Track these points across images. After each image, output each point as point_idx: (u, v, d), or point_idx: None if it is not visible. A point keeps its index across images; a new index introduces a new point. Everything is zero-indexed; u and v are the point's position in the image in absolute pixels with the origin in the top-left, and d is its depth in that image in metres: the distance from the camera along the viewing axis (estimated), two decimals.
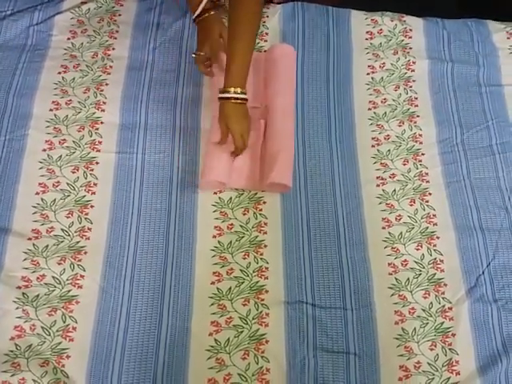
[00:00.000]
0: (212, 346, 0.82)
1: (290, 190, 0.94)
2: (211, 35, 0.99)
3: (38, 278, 0.84)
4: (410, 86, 1.07)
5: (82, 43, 1.08)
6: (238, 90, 0.89)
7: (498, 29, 1.16)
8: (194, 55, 1.00)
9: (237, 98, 0.89)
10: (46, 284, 0.84)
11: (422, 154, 1.00)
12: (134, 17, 1.12)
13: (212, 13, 0.99)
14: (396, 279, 0.88)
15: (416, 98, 1.06)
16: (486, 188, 0.97)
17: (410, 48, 1.11)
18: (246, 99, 0.91)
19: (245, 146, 0.92)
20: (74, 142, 0.96)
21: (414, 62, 1.10)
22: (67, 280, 0.85)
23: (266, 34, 1.11)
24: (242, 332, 0.83)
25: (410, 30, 1.14)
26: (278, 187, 0.93)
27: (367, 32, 1.13)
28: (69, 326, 0.81)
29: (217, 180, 0.92)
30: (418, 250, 0.90)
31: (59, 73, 1.03)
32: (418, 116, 1.04)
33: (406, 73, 1.09)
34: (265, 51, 1.08)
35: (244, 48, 0.89)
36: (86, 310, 0.83)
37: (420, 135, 1.02)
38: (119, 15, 1.12)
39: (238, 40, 0.89)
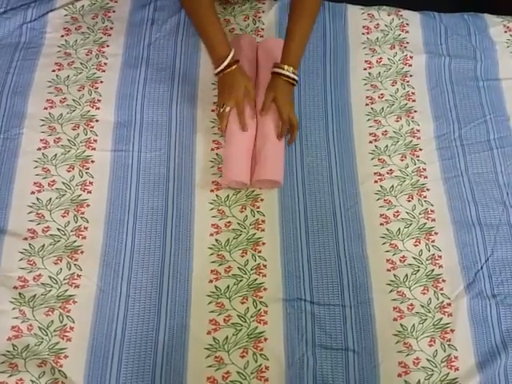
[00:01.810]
0: (211, 345, 0.81)
1: (283, 186, 0.93)
2: (236, 89, 0.94)
3: (34, 277, 0.84)
4: (408, 81, 1.07)
5: (76, 40, 1.07)
6: (291, 69, 0.93)
7: (495, 22, 1.15)
8: (221, 110, 0.94)
9: (288, 77, 0.93)
10: (42, 284, 0.83)
11: (420, 150, 0.99)
12: (129, 13, 1.11)
13: (235, 67, 0.94)
14: (394, 275, 0.87)
15: (413, 93, 1.05)
16: (484, 183, 0.96)
17: (407, 42, 1.11)
18: (296, 81, 0.94)
19: (293, 123, 0.94)
20: (69, 140, 0.96)
21: (411, 57, 1.09)
22: (64, 280, 0.84)
23: (262, 29, 1.11)
24: (240, 330, 0.82)
25: (407, 24, 1.13)
26: (267, 183, 0.93)
27: (364, 26, 1.12)
28: (66, 325, 0.81)
29: (239, 180, 0.91)
30: (416, 245, 0.90)
31: (53, 71, 1.02)
32: (415, 111, 1.03)
33: (403, 68, 1.08)
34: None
35: (305, 29, 0.94)
36: (83, 309, 0.82)
37: (418, 130, 1.01)
38: (113, 12, 1.11)
39: (301, 21, 0.93)
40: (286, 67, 0.93)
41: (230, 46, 0.95)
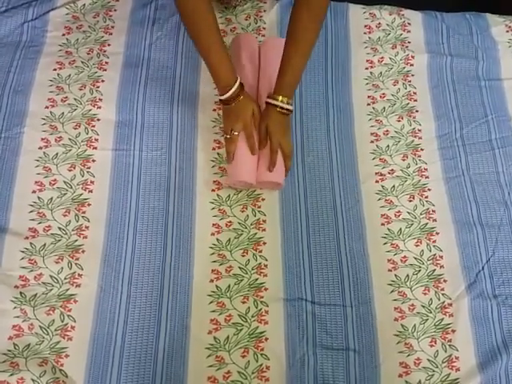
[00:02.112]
0: (211, 344, 0.81)
1: (284, 186, 0.93)
2: (244, 116, 0.91)
3: (35, 277, 0.83)
4: (409, 81, 1.06)
5: (78, 39, 1.06)
6: (285, 100, 0.90)
7: (497, 22, 1.15)
8: (228, 135, 0.92)
9: (282, 108, 0.90)
10: (43, 283, 0.83)
11: (422, 150, 0.99)
12: (130, 12, 1.11)
13: (242, 97, 0.90)
14: (395, 276, 0.87)
15: (415, 93, 1.05)
16: (485, 183, 0.96)
17: (409, 42, 1.11)
18: (291, 111, 0.92)
19: (284, 151, 0.92)
20: (70, 139, 0.96)
21: (412, 57, 1.09)
22: (65, 279, 0.84)
23: (264, 28, 1.10)
24: (241, 330, 0.82)
25: (409, 23, 1.13)
26: (269, 185, 0.93)
27: (365, 26, 1.12)
28: (67, 325, 0.81)
29: (244, 180, 0.91)
30: (417, 246, 0.90)
31: (54, 69, 1.02)
32: (417, 111, 1.03)
33: (404, 67, 1.08)
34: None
35: (300, 60, 0.90)
36: (84, 308, 0.82)
37: (419, 130, 1.01)
38: (115, 10, 1.11)
39: (296, 51, 0.89)
40: (280, 98, 0.90)
41: (235, 71, 0.91)
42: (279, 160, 0.93)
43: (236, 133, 0.91)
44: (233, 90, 0.89)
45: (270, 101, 0.91)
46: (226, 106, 0.92)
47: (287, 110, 0.91)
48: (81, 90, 1.00)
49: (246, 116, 0.92)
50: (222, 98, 0.90)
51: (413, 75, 1.07)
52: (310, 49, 0.91)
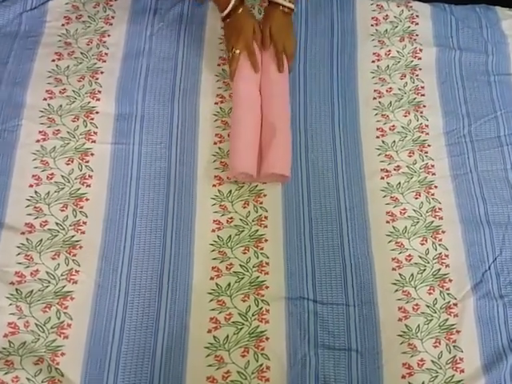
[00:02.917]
0: (211, 344, 0.80)
1: (290, 180, 0.91)
2: (245, 32, 0.94)
3: (31, 273, 0.82)
4: (417, 75, 1.04)
5: (77, 29, 1.04)
6: None
7: (507, 15, 1.11)
8: (230, 54, 0.95)
9: (285, 6, 0.93)
10: (39, 279, 0.82)
11: (428, 146, 0.97)
12: (131, 2, 1.08)
13: (241, 10, 0.94)
14: (400, 275, 0.85)
15: (422, 87, 1.02)
16: (493, 181, 0.94)
17: (417, 35, 1.08)
18: (293, 9, 0.95)
19: (289, 55, 0.97)
20: (68, 132, 0.93)
21: (420, 50, 1.06)
22: (62, 275, 0.82)
23: None
24: (241, 329, 0.81)
25: (417, 16, 1.10)
26: (275, 177, 0.91)
27: (372, 18, 1.09)
28: (63, 322, 0.79)
29: (245, 172, 0.89)
30: (422, 244, 0.88)
31: (53, 60, 1.00)
32: (424, 106, 1.00)
33: (412, 61, 1.05)
34: None
35: None
36: (81, 306, 0.81)
37: (426, 126, 0.98)
38: (115, 0, 1.08)
39: None
40: None
41: None
42: (286, 150, 0.90)
43: (238, 51, 0.94)
44: (232, 2, 0.92)
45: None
46: (226, 22, 0.95)
47: (289, 8, 0.94)
48: (80, 81, 0.98)
49: (247, 33, 0.94)
50: (223, 14, 0.94)
51: (420, 69, 1.04)
52: None
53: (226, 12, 0.94)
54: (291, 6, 0.94)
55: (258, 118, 0.94)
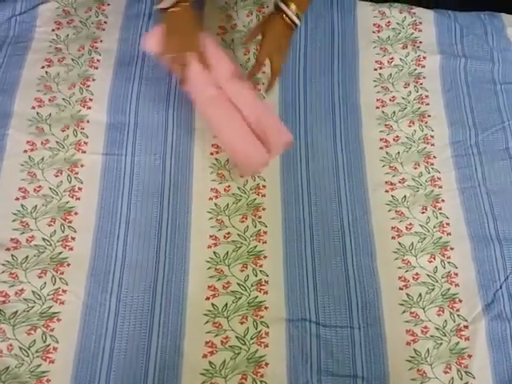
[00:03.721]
0: (206, 370, 0.75)
1: (286, 194, 0.88)
2: (190, 27, 0.82)
3: (16, 292, 0.77)
4: (421, 83, 1.00)
5: (68, 35, 1.00)
6: (297, 11, 0.81)
7: None
8: (183, 54, 0.82)
9: (290, 18, 0.82)
10: (25, 299, 0.77)
11: (434, 157, 0.93)
12: (124, 7, 1.04)
13: (187, 3, 0.80)
14: (407, 294, 0.81)
15: (427, 96, 0.98)
16: (502, 194, 0.90)
17: (420, 42, 1.04)
18: (297, 25, 0.83)
19: (272, 68, 0.86)
20: (57, 142, 0.89)
21: (424, 57, 1.02)
22: (48, 295, 0.77)
23: None
24: (239, 353, 0.76)
25: (420, 22, 1.06)
26: (282, 148, 0.88)
27: (374, 24, 1.06)
28: (49, 346, 0.74)
29: (262, 162, 0.86)
30: (430, 262, 0.83)
31: (43, 67, 0.96)
32: (429, 115, 0.96)
33: (415, 69, 1.01)
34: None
35: None
36: (68, 328, 0.76)
37: (432, 136, 0.95)
38: (108, 5, 1.04)
39: None
40: (292, 6, 0.80)
41: None
42: (276, 122, 0.86)
43: (176, 55, 0.81)
44: None
45: (280, 5, 0.81)
46: (166, 18, 0.79)
47: (294, 23, 0.83)
48: (70, 89, 0.94)
49: (195, 30, 0.81)
50: (161, 5, 0.78)
51: (424, 77, 1.00)
52: None
53: (169, 5, 0.78)
54: (296, 20, 0.82)
55: (233, 109, 0.86)
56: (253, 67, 0.86)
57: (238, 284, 0.81)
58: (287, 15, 0.82)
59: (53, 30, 1.00)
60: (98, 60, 0.97)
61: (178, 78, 0.86)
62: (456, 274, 0.83)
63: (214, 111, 0.87)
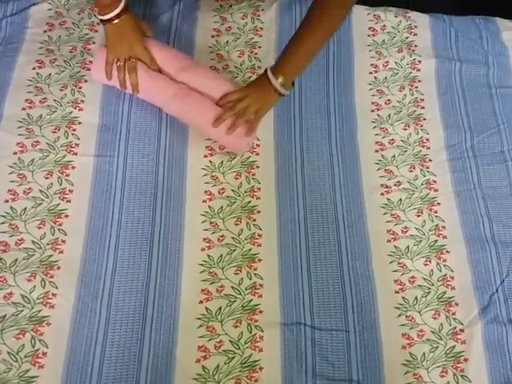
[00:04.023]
0: (199, 375, 0.73)
1: (281, 197, 0.87)
2: (137, 36, 0.85)
3: (4, 296, 0.75)
4: (416, 87, 1.00)
5: (60, 36, 0.99)
6: (285, 82, 0.82)
7: (507, 27, 1.09)
8: (131, 61, 0.85)
9: (276, 90, 0.83)
10: (13, 303, 0.75)
11: (430, 160, 0.92)
12: None
13: (127, 15, 0.83)
14: (403, 298, 0.80)
15: (422, 100, 0.98)
16: (498, 197, 0.89)
17: (416, 46, 1.04)
18: (283, 95, 0.85)
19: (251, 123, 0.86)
20: (48, 144, 0.87)
21: (419, 61, 1.02)
22: (37, 299, 0.76)
23: (261, 28, 1.03)
24: (233, 358, 0.74)
25: (415, 26, 1.07)
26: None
27: (369, 28, 1.05)
28: (38, 350, 0.73)
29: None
30: (426, 265, 0.83)
31: (34, 68, 0.94)
32: (424, 119, 0.96)
33: (411, 72, 1.01)
34: (260, 46, 1.01)
35: (313, 46, 0.82)
36: (58, 332, 0.74)
37: (427, 140, 0.94)
38: None
39: (311, 35, 0.80)
40: (280, 79, 0.82)
41: None
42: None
43: (121, 63, 0.84)
44: (120, 7, 0.81)
45: (269, 74, 0.82)
46: (109, 28, 0.83)
47: (280, 94, 0.84)
48: (62, 90, 0.93)
49: (140, 36, 0.85)
50: (104, 17, 0.81)
51: (420, 81, 1.00)
52: (327, 36, 0.82)
53: (112, 15, 0.81)
54: (284, 92, 0.83)
55: (199, 97, 0.87)
56: (223, 113, 0.84)
57: (232, 287, 0.79)
58: (273, 86, 0.83)
59: (44, 32, 0.99)
60: (91, 61, 0.96)
61: (130, 87, 0.87)
62: (452, 278, 0.82)
63: (182, 107, 0.86)
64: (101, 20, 0.83)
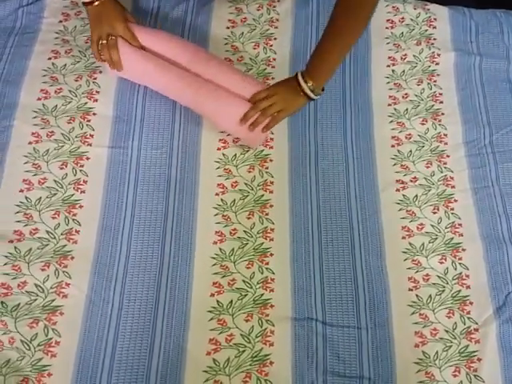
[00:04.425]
0: (210, 367, 0.73)
1: (295, 190, 0.86)
2: (118, 16, 0.86)
3: (18, 285, 0.76)
4: (435, 81, 0.98)
5: (76, 26, 0.99)
6: (314, 87, 0.83)
7: None
8: (111, 38, 0.86)
9: (305, 93, 0.83)
10: (27, 292, 0.76)
11: (447, 156, 0.90)
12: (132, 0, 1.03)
13: None
14: (417, 296, 0.79)
15: (441, 94, 0.96)
16: None
17: (435, 39, 1.02)
18: (312, 99, 0.85)
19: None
20: (62, 134, 0.88)
21: (438, 55, 1.00)
22: (51, 288, 0.76)
23: (277, 19, 1.02)
24: (243, 351, 0.74)
25: (435, 19, 1.04)
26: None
27: (388, 20, 1.03)
28: (51, 339, 0.73)
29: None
30: (441, 263, 0.81)
31: (49, 58, 0.95)
32: (442, 114, 0.94)
33: (429, 66, 0.99)
34: (275, 38, 0.99)
35: (342, 49, 0.82)
36: (70, 322, 0.75)
37: (445, 135, 0.92)
38: None
39: (342, 37, 0.80)
40: (310, 84, 0.82)
41: None
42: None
43: (104, 41, 0.86)
44: None
45: (299, 78, 0.83)
46: (91, 10, 0.86)
47: (309, 98, 0.84)
48: (77, 81, 0.93)
49: (118, 18, 0.86)
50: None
51: (438, 75, 0.98)
52: (355, 38, 0.81)
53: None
54: (312, 96, 0.84)
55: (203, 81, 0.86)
56: (249, 110, 0.83)
57: (244, 281, 0.79)
58: (303, 90, 0.83)
59: (60, 22, 0.99)
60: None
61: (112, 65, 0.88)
62: (467, 276, 0.81)
63: (197, 97, 0.85)
64: (83, 3, 0.86)
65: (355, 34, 0.81)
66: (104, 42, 0.86)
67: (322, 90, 0.86)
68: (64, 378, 0.72)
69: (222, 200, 0.85)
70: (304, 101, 0.85)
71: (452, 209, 0.86)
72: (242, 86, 0.85)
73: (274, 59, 0.98)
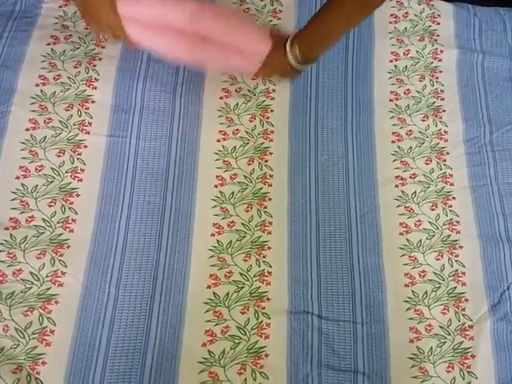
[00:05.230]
0: (205, 358, 0.73)
1: (294, 185, 0.86)
2: (105, 4, 0.76)
3: (13, 272, 0.75)
4: (437, 77, 0.97)
5: (76, 12, 0.97)
6: (299, 52, 0.74)
7: None
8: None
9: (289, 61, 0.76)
10: (22, 280, 0.75)
11: (447, 153, 0.90)
12: None
13: None
14: (412, 292, 0.79)
15: (442, 91, 0.96)
16: None
17: (438, 35, 1.01)
18: (299, 72, 0.79)
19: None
20: (60, 121, 0.87)
21: (441, 51, 1.00)
22: (46, 277, 0.76)
23: (280, 11, 1.01)
24: (239, 343, 0.74)
25: (439, 15, 1.03)
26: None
27: (391, 15, 1.03)
28: (46, 328, 0.73)
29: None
30: (438, 260, 0.82)
31: (48, 44, 0.93)
32: (443, 111, 0.94)
33: (432, 62, 0.99)
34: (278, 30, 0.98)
35: (337, 22, 0.74)
36: (66, 311, 0.74)
37: (445, 132, 0.92)
38: None
39: (339, 10, 0.72)
40: (296, 49, 0.74)
41: None
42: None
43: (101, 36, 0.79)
44: None
45: (287, 43, 0.75)
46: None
47: (295, 69, 0.77)
48: (76, 67, 0.91)
49: (104, 7, 0.76)
50: None
51: (441, 71, 0.98)
52: (352, 17, 0.74)
53: None
54: (294, 64, 0.76)
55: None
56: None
57: (241, 274, 0.79)
58: (288, 61, 0.76)
59: (60, 7, 0.98)
60: (106, 39, 0.94)
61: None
62: (463, 273, 0.81)
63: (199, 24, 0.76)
64: None
65: (355, 12, 0.73)
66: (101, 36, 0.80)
67: (311, 62, 0.79)
68: (58, 367, 0.71)
69: (220, 192, 0.85)
70: (291, 73, 0.80)
71: (450, 206, 0.86)
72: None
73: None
